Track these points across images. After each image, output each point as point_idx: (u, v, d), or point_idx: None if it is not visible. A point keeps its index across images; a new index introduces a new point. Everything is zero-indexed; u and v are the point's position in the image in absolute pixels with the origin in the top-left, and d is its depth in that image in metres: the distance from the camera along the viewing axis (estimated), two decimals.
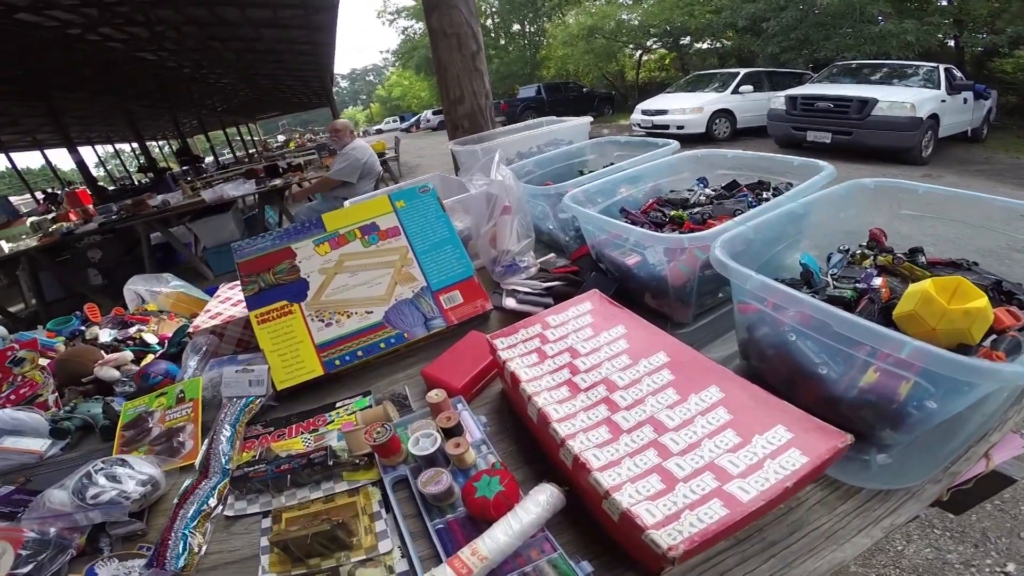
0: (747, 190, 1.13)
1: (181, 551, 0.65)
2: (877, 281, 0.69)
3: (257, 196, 5.42)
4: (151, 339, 1.28)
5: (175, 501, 0.74)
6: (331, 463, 0.73)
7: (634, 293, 1.01)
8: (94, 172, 11.30)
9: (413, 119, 31.20)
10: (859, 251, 0.81)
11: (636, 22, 16.90)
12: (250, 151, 20.08)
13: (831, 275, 0.75)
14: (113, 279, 5.08)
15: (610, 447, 0.56)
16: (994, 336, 0.58)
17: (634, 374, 0.66)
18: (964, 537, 1.62)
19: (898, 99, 6.38)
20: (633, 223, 1.02)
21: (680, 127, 8.87)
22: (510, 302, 1.07)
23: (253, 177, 5.56)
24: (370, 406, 0.88)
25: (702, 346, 0.87)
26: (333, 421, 0.86)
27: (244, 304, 1.05)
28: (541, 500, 0.57)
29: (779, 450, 0.51)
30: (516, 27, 24.74)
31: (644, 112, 9.64)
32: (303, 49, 10.03)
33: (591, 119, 2.07)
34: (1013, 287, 0.67)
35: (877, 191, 0.88)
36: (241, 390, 0.93)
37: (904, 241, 0.82)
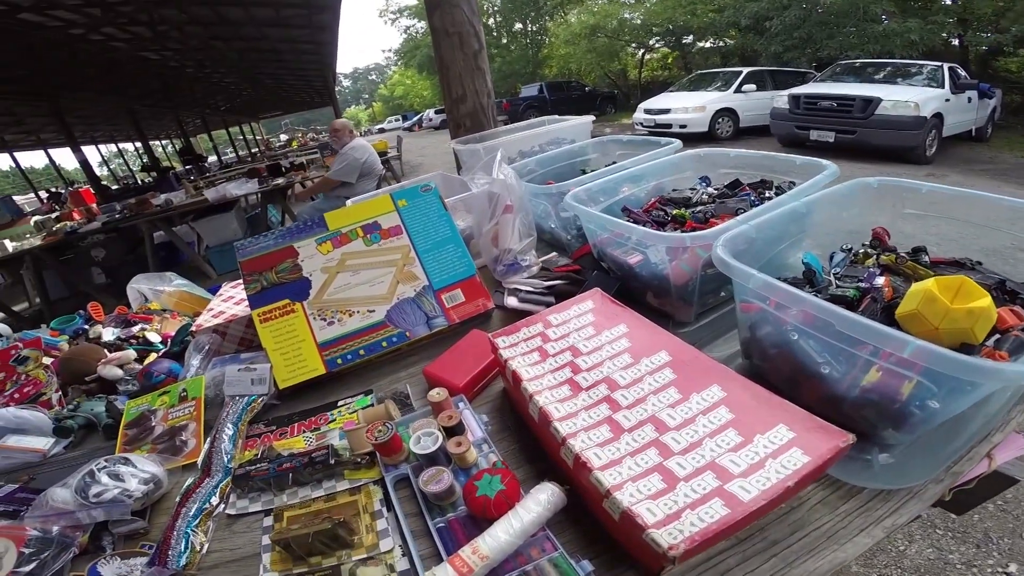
0: (749, 189, 1.12)
1: (183, 549, 0.65)
2: (880, 280, 0.69)
3: (260, 195, 5.43)
4: (154, 338, 1.28)
5: (177, 499, 0.74)
6: (333, 462, 0.73)
7: (636, 292, 1.01)
8: (98, 171, 11.33)
9: (415, 118, 31.22)
10: (862, 250, 0.81)
11: (639, 21, 16.89)
12: (253, 150, 20.12)
13: (834, 274, 0.75)
14: (116, 278, 5.09)
15: (611, 446, 0.56)
16: (997, 336, 0.58)
17: (635, 373, 0.66)
18: (966, 537, 1.62)
19: (902, 98, 6.35)
20: (635, 222, 1.02)
21: (683, 126, 8.85)
22: (512, 301, 1.07)
23: (256, 176, 5.58)
24: (372, 405, 0.88)
25: (704, 345, 0.87)
26: (335, 420, 0.86)
27: (247, 303, 1.06)
28: (542, 499, 0.57)
29: (780, 449, 0.50)
30: (518, 26, 24.72)
31: (647, 111, 9.62)
32: (306, 48, 10.03)
33: (593, 118, 2.07)
34: (1017, 287, 0.66)
35: (880, 190, 0.87)
36: (243, 389, 0.93)
37: (908, 240, 0.81)
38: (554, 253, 1.29)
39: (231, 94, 16.02)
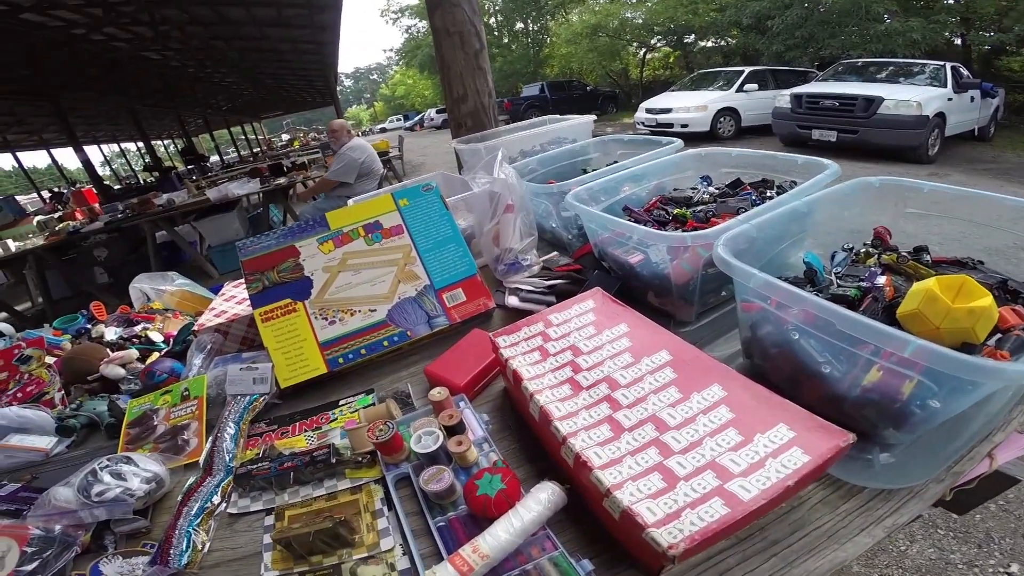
0: (751, 188, 1.12)
1: (185, 548, 0.65)
2: (881, 280, 0.68)
3: (261, 195, 5.44)
4: (156, 337, 1.28)
5: (179, 498, 0.74)
6: (334, 461, 0.74)
7: (637, 291, 1.01)
8: (100, 171, 11.34)
9: (417, 118, 31.23)
10: (863, 249, 0.80)
11: (640, 20, 16.86)
12: (254, 150, 20.17)
13: (835, 273, 0.75)
14: (119, 277, 5.12)
15: (611, 445, 0.56)
16: (999, 335, 0.58)
17: (636, 372, 0.66)
18: (968, 537, 1.61)
19: (904, 97, 6.34)
20: (636, 221, 1.02)
21: (684, 125, 8.84)
22: (513, 300, 1.07)
23: (257, 176, 5.59)
24: (373, 404, 0.88)
25: (705, 344, 0.87)
26: (336, 419, 0.86)
27: (248, 302, 1.06)
28: (542, 498, 0.57)
29: (781, 449, 0.50)
30: (519, 25, 24.70)
31: (648, 110, 9.61)
32: (307, 48, 10.05)
33: (595, 117, 2.07)
34: (1019, 286, 0.66)
35: (882, 189, 0.87)
36: (245, 388, 0.93)
37: (910, 240, 0.81)
38: (555, 252, 1.29)
39: (232, 94, 16.05)
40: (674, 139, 1.38)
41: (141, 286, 1.55)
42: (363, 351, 0.99)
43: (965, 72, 7.31)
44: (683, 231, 0.96)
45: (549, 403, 0.63)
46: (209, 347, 1.08)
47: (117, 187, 12.34)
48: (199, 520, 0.70)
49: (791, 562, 0.52)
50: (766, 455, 0.50)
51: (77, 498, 0.70)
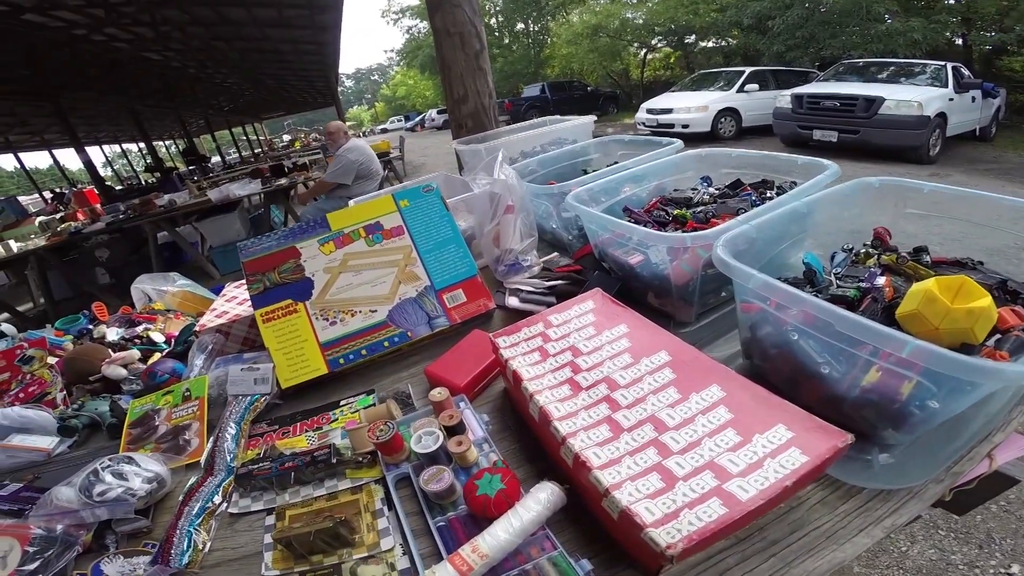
0: (751, 189, 1.12)
1: (186, 548, 0.66)
2: (881, 280, 0.69)
3: (263, 195, 5.45)
4: (158, 338, 1.29)
5: (180, 498, 0.74)
6: (334, 461, 0.74)
7: (637, 292, 1.01)
8: (101, 172, 11.37)
9: (417, 118, 31.28)
10: (863, 250, 0.80)
11: (641, 21, 16.84)
12: (256, 151, 20.18)
13: (834, 274, 0.75)
14: (120, 278, 5.13)
15: (610, 445, 0.56)
16: (998, 336, 0.58)
17: (635, 373, 0.66)
18: (968, 538, 1.61)
19: (905, 98, 6.33)
20: (636, 222, 1.02)
21: (685, 126, 8.84)
22: (513, 301, 1.07)
23: (259, 177, 5.60)
24: (373, 404, 0.89)
25: (704, 345, 0.87)
26: (337, 419, 0.86)
27: (250, 303, 1.06)
28: (542, 498, 0.57)
29: (779, 449, 0.51)
30: (520, 26, 24.69)
31: (649, 111, 9.61)
32: (308, 49, 10.05)
33: (595, 118, 2.07)
34: (1019, 286, 0.66)
35: (882, 190, 0.87)
36: (246, 388, 0.93)
37: (910, 240, 0.81)
38: (555, 253, 1.29)
39: (233, 94, 16.06)
40: (674, 140, 1.39)
41: (143, 287, 1.56)
42: (364, 352, 0.99)
43: (966, 72, 7.30)
44: (683, 232, 0.96)
45: (549, 403, 0.64)
46: (210, 348, 1.09)
47: (119, 188, 12.37)
48: (200, 520, 0.70)
49: (790, 562, 0.52)
50: (765, 455, 0.50)
51: (79, 498, 0.70)
